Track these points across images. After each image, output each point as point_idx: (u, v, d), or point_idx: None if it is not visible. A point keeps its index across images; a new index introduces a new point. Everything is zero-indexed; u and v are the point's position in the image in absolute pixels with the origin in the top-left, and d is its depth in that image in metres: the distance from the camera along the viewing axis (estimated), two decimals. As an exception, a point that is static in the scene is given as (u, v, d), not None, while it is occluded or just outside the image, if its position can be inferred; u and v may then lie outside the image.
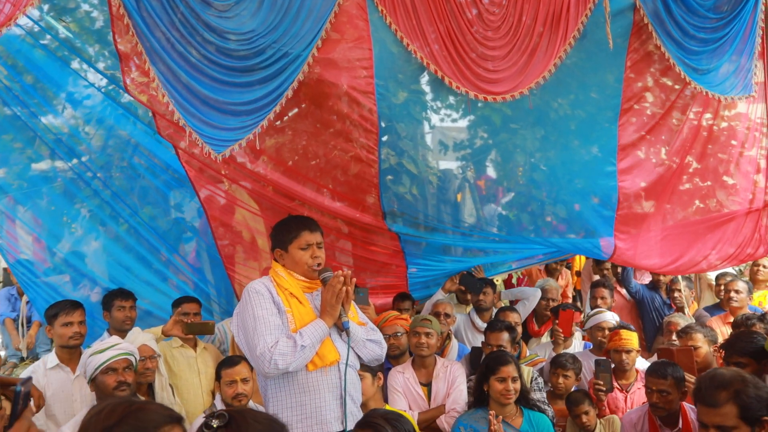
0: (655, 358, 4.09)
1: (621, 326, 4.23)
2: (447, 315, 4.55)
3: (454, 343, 4.59)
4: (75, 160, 4.62)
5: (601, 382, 3.82)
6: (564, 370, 3.96)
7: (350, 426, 2.73)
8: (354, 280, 2.81)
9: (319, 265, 2.86)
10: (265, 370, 2.63)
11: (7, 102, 4.31)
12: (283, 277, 2.84)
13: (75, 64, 4.38)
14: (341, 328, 2.80)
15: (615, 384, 3.97)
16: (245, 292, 2.82)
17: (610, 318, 4.48)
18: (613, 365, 3.98)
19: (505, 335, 4.03)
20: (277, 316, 2.73)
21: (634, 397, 3.95)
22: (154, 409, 1.61)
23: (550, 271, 6.21)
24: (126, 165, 4.69)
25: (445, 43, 3.90)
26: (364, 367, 3.21)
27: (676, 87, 4.84)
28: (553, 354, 4.42)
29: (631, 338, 4.07)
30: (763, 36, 4.58)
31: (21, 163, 4.63)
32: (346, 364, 2.78)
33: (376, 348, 2.92)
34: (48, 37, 4.27)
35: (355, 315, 2.95)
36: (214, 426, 1.69)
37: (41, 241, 4.79)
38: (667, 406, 3.29)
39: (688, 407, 3.34)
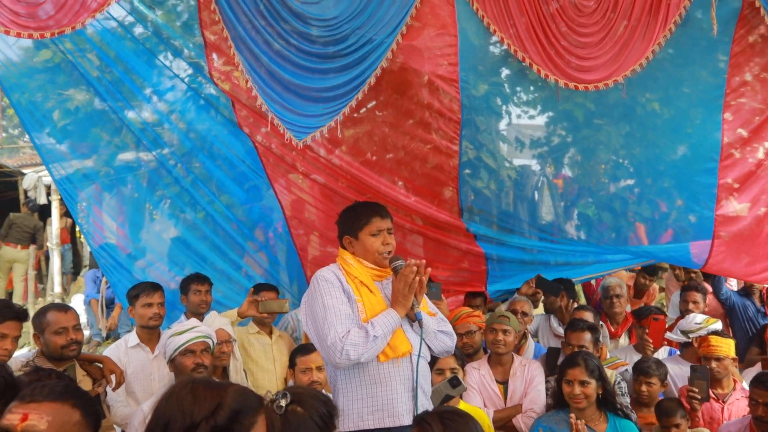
0: (756, 369, 3.77)
1: (712, 332, 3.92)
2: (524, 314, 4.38)
3: (530, 343, 4.42)
4: (158, 150, 4.72)
5: (696, 390, 3.55)
6: (647, 377, 3.70)
7: None
8: (429, 270, 2.68)
9: (390, 252, 2.74)
10: (336, 361, 2.55)
11: (100, 94, 4.44)
12: (353, 265, 2.75)
13: (161, 56, 4.49)
14: (413, 318, 2.68)
15: (711, 394, 3.67)
16: (314, 280, 2.74)
17: (719, 327, 4.14)
18: (707, 375, 3.68)
19: (587, 335, 3.82)
20: (347, 305, 2.64)
21: (733, 408, 3.65)
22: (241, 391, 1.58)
23: (638, 287, 5.84)
24: (206, 155, 4.74)
25: (535, 30, 3.72)
26: None
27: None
28: (637, 359, 4.14)
29: (723, 345, 3.76)
30: None
31: (108, 152, 4.76)
32: (419, 355, 2.66)
33: (446, 339, 2.79)
34: (138, 27, 4.38)
35: (425, 306, 2.82)
36: (284, 405, 1.74)
37: (124, 227, 4.92)
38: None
39: (796, 423, 3.04)
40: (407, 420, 2.59)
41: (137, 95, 4.52)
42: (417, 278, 2.61)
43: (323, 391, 2.34)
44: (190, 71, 4.49)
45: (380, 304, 2.67)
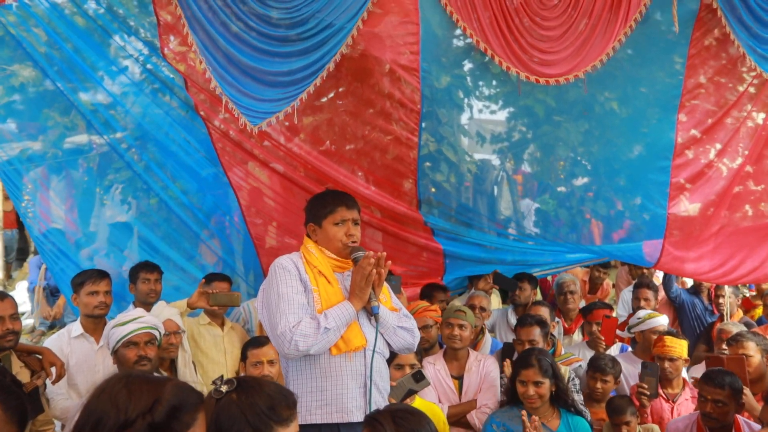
0: (702, 366, 3.80)
1: (667, 332, 3.93)
2: (482, 309, 4.33)
3: (487, 338, 4.37)
4: (111, 134, 4.51)
5: (646, 386, 3.55)
6: (603, 375, 3.69)
7: None
8: (389, 263, 2.57)
9: (354, 243, 2.63)
10: (284, 351, 2.45)
11: (48, 74, 4.21)
12: (314, 254, 2.63)
13: (115, 35, 4.27)
14: (371, 312, 2.57)
15: (661, 392, 3.68)
16: (272, 267, 2.63)
17: (664, 321, 4.17)
18: (658, 372, 3.69)
19: (537, 330, 3.79)
20: (302, 294, 2.53)
21: (681, 408, 3.66)
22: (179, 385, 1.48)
23: (593, 281, 5.90)
24: (160, 140, 4.55)
25: (498, 23, 3.66)
26: None
27: (735, 87, 4.56)
28: (589, 355, 4.14)
29: (677, 346, 3.78)
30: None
31: (56, 133, 4.53)
32: (374, 350, 2.55)
33: (407, 336, 2.68)
34: (91, 3, 4.16)
35: (388, 300, 2.72)
36: (223, 390, 1.63)
37: (72, 212, 4.69)
38: (721, 418, 3.01)
39: (742, 420, 3.06)
40: (357, 417, 2.49)
41: (88, 76, 4.28)
42: (374, 271, 2.50)
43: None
44: (145, 51, 4.29)
45: (337, 296, 2.56)
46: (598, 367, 3.73)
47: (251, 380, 1.76)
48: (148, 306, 3.77)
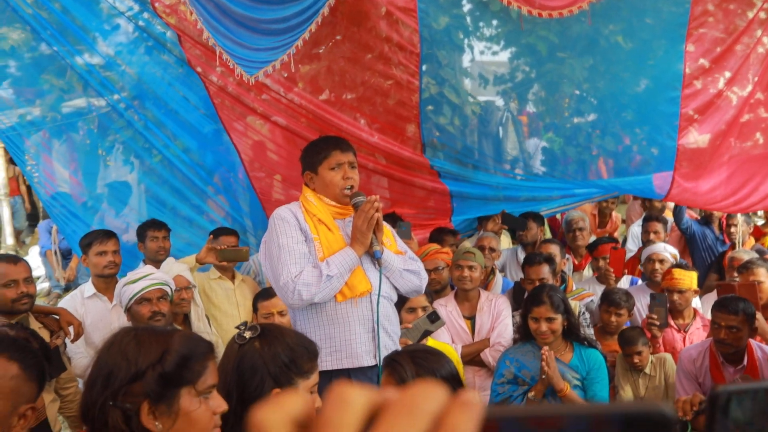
0: (714, 295, 3.78)
1: (676, 264, 3.90)
2: (492, 249, 4.30)
3: (498, 278, 4.37)
4: (108, 95, 4.45)
5: (655, 317, 3.55)
6: (617, 308, 3.68)
7: None
8: (381, 205, 2.51)
9: (351, 188, 2.56)
10: (289, 301, 2.44)
11: (43, 38, 4.12)
12: (312, 203, 2.59)
13: (105, -7, 4.16)
14: (374, 256, 2.54)
15: (672, 323, 3.68)
16: (271, 219, 2.60)
17: (662, 249, 4.15)
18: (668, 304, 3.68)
19: (545, 268, 3.77)
20: (303, 244, 2.50)
21: (693, 337, 3.68)
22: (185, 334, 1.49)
23: (602, 212, 5.85)
24: (157, 100, 4.48)
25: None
26: None
27: (744, 13, 4.40)
28: (599, 289, 4.13)
29: (685, 277, 3.75)
30: None
31: (54, 97, 4.48)
32: (379, 294, 2.53)
33: (413, 278, 2.65)
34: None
35: (393, 243, 2.68)
36: (246, 337, 1.62)
37: (77, 174, 4.68)
38: (735, 343, 2.99)
39: (755, 344, 3.05)
40: (367, 361, 2.50)
41: (80, 38, 4.19)
42: (377, 214, 2.46)
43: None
44: (135, 8, 4.18)
45: (339, 243, 2.52)
46: (612, 300, 3.72)
47: (274, 329, 1.76)
48: (157, 263, 3.76)
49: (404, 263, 2.64)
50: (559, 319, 3.10)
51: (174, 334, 1.46)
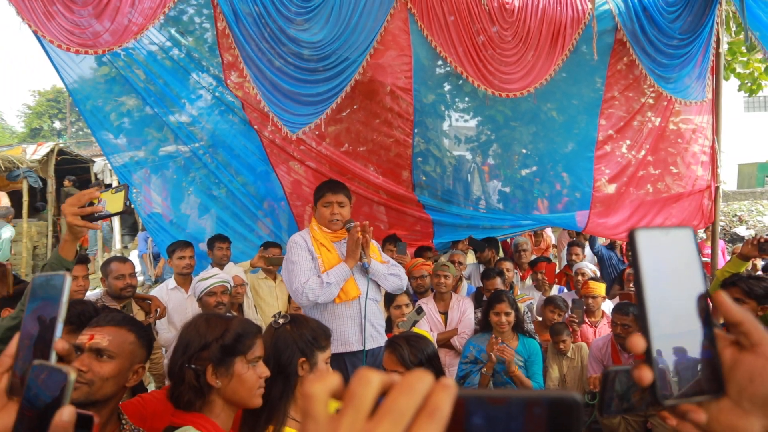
0: (616, 300, 3.70)
1: (591, 278, 3.84)
2: (460, 263, 4.24)
3: (464, 284, 4.28)
4: (191, 144, 4.42)
5: (575, 316, 3.47)
6: (560, 310, 3.60)
7: (371, 345, 2.48)
8: (371, 229, 2.49)
9: (337, 221, 2.55)
10: (299, 301, 2.44)
11: (148, 102, 4.12)
12: (316, 230, 2.57)
13: (192, 72, 4.16)
14: (363, 266, 2.51)
15: (586, 321, 3.59)
16: (288, 242, 2.58)
17: (584, 266, 4.08)
18: (584, 307, 3.60)
19: (498, 280, 3.71)
20: (309, 261, 2.49)
21: (601, 331, 3.59)
22: (243, 321, 1.47)
23: (537, 235, 5.79)
24: (226, 148, 4.45)
25: (470, 54, 3.49)
26: None
27: (639, 98, 4.41)
28: (540, 295, 4.05)
29: (597, 287, 3.69)
30: (715, 55, 4.03)
31: (154, 145, 4.45)
32: (366, 297, 2.50)
33: (395, 280, 2.61)
34: (175, 50, 4.04)
35: (378, 256, 2.64)
36: (281, 322, 1.63)
37: (167, 200, 4.62)
38: (627, 337, 2.89)
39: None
40: (356, 347, 2.46)
41: (174, 102, 4.19)
42: (360, 236, 2.43)
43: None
44: (213, 83, 4.16)
45: (335, 260, 2.51)
46: (556, 303, 3.63)
47: (300, 317, 1.73)
48: (221, 267, 3.70)
49: (388, 269, 2.60)
50: (513, 314, 3.03)
51: (233, 319, 1.46)
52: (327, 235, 2.55)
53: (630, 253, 0.52)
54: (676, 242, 0.52)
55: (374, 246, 2.65)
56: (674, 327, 0.50)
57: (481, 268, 4.69)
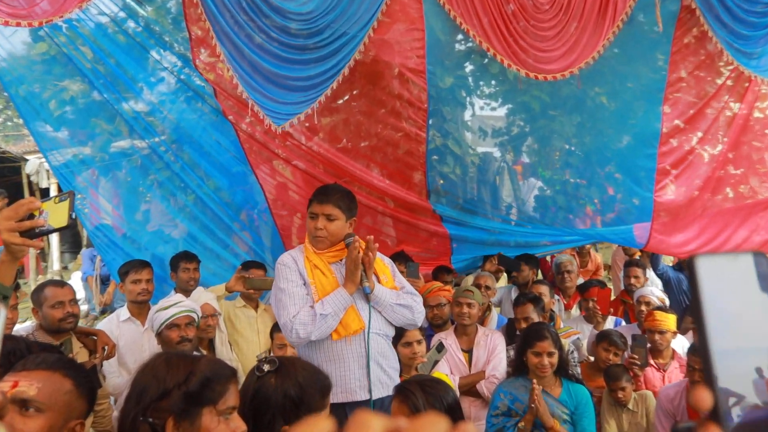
0: (689, 336, 3.67)
1: (657, 307, 3.81)
2: (488, 287, 4.22)
3: (494, 314, 4.28)
4: (150, 139, 4.47)
5: (636, 356, 3.45)
6: (616, 348, 3.56)
7: (379, 393, 2.45)
8: (377, 245, 2.46)
9: (321, 238, 2.51)
10: (290, 339, 2.43)
11: (96, 87, 4.18)
12: (309, 248, 2.57)
13: (152, 50, 4.22)
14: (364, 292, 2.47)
15: (651, 362, 3.56)
16: (276, 264, 2.57)
17: (649, 293, 4.06)
18: (649, 345, 3.57)
19: (530, 307, 3.68)
20: (301, 287, 2.47)
21: (672, 376, 3.54)
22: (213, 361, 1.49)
23: (582, 255, 5.77)
24: (193, 144, 4.50)
25: (499, 27, 3.53)
26: None
27: (713, 80, 4.42)
28: (590, 328, 4.03)
29: (666, 319, 3.64)
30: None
31: (103, 139, 4.51)
32: (368, 331, 2.45)
33: (406, 312, 2.55)
34: (130, 23, 4.11)
35: (390, 279, 2.60)
36: (265, 370, 1.62)
37: (119, 208, 4.67)
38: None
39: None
40: (361, 395, 2.42)
41: (129, 87, 4.25)
42: (360, 254, 2.41)
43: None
44: (179, 64, 4.23)
45: (332, 285, 2.47)
46: (612, 340, 3.59)
47: (290, 365, 1.71)
48: (187, 292, 3.72)
49: (397, 298, 2.55)
50: (556, 354, 3.02)
51: (201, 359, 1.46)
52: (323, 255, 2.54)
53: (690, 287, 0.52)
54: (747, 271, 0.51)
55: (384, 265, 2.62)
56: (746, 378, 0.50)
57: (514, 294, 4.67)
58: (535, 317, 3.64)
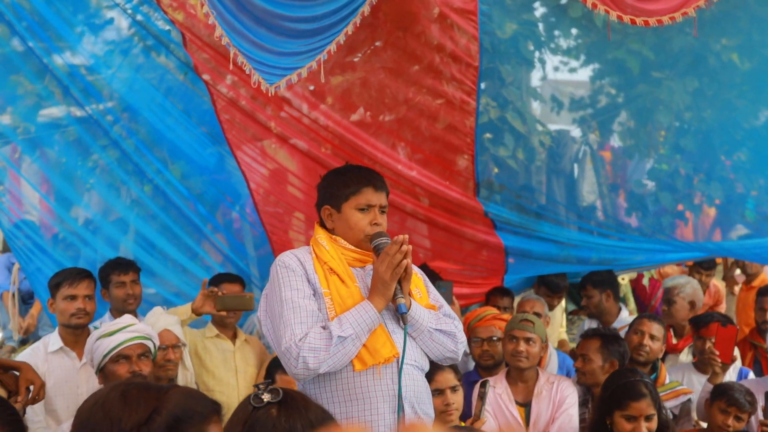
0: None
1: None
2: (537, 315, 4.24)
3: (551, 352, 4.33)
4: (92, 105, 4.57)
5: (771, 421, 3.46)
6: (738, 410, 3.57)
7: None
8: (410, 248, 2.47)
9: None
10: (292, 370, 2.42)
11: (18, 32, 4.23)
12: (325, 247, 2.60)
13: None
14: (397, 311, 2.50)
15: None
16: (273, 266, 2.60)
17: None
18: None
19: (596, 343, 3.74)
20: (311, 299, 2.50)
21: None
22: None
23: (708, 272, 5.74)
24: (153, 112, 4.60)
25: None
26: None
27: None
28: (704, 380, 4.03)
29: None
30: None
31: (29, 103, 4.60)
32: (402, 361, 2.49)
33: (447, 341, 2.61)
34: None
35: (424, 295, 2.67)
36: (264, 400, 1.65)
37: (49, 199, 4.78)
38: None
39: None
40: None
41: (63, 34, 4.33)
42: (404, 261, 2.43)
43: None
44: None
45: (354, 298, 2.51)
46: (735, 400, 3.60)
47: (299, 398, 1.75)
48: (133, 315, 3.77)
49: (437, 321, 2.62)
50: (655, 418, 3.06)
51: (170, 390, 1.47)
52: (346, 255, 2.60)
53: None
54: None
55: (418, 277, 2.67)
56: None
57: (588, 324, 4.69)
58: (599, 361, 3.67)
